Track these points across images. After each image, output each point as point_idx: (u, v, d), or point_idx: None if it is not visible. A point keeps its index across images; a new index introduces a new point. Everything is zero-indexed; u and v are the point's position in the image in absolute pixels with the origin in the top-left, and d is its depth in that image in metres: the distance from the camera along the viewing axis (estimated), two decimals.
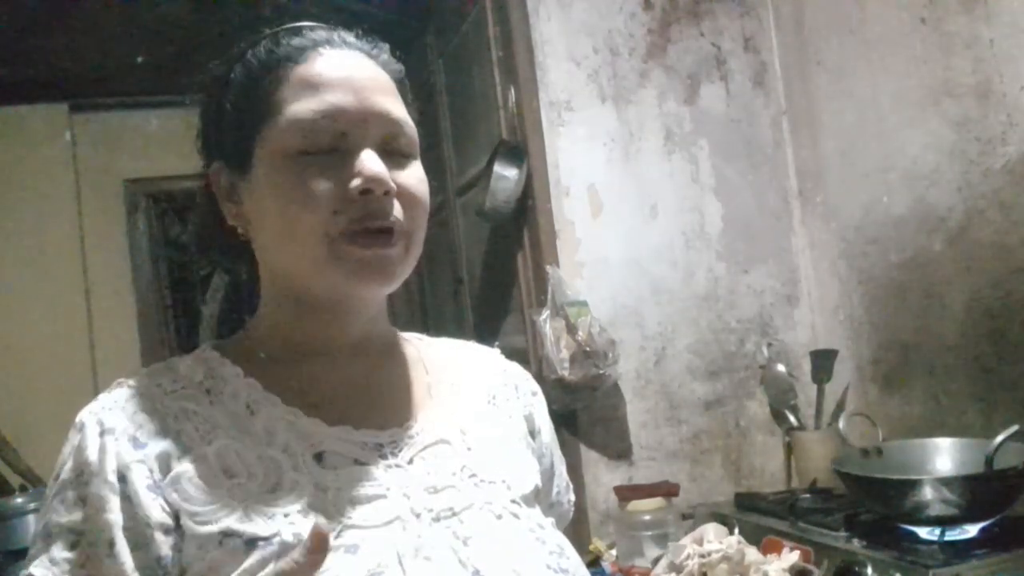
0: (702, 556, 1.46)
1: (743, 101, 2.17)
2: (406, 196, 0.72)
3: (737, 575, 1.44)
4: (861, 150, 1.92)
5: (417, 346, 0.85)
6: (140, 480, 0.65)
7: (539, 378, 1.92)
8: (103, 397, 0.71)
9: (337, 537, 0.64)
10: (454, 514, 0.70)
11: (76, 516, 0.65)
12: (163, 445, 0.67)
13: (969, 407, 1.67)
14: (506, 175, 2.05)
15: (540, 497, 0.81)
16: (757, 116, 2.18)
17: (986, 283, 1.61)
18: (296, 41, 0.74)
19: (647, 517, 1.81)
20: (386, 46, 0.79)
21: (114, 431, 0.67)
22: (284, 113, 0.70)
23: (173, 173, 3.31)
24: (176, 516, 0.65)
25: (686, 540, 1.55)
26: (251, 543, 0.63)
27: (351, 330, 0.77)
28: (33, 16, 2.82)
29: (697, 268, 2.11)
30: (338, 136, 0.70)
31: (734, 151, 2.16)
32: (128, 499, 0.65)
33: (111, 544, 0.63)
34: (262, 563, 0.61)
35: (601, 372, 1.88)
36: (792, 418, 2.03)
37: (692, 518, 1.89)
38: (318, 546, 0.55)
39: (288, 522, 0.64)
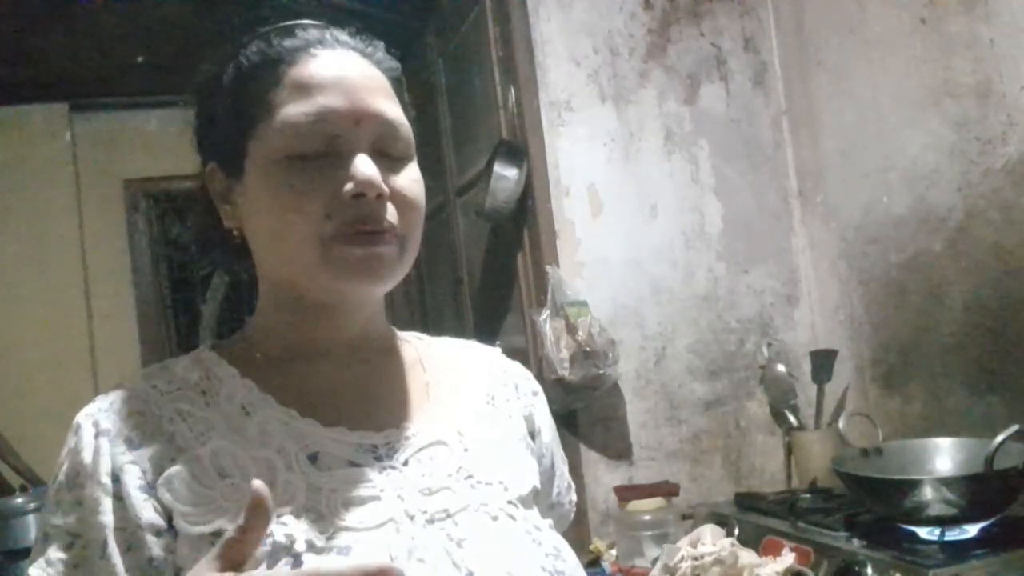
0: (695, 559, 1.46)
1: (743, 101, 2.17)
2: (400, 199, 0.72)
3: None
4: (861, 150, 1.92)
5: (416, 346, 0.84)
6: (133, 481, 0.65)
7: (539, 378, 1.90)
8: (100, 399, 0.71)
9: (330, 539, 0.64)
10: (448, 516, 0.69)
11: (71, 518, 0.65)
12: (157, 446, 0.67)
13: (969, 407, 1.67)
14: (506, 175, 2.04)
15: (540, 498, 0.81)
16: (757, 116, 2.18)
17: (986, 283, 1.61)
18: (288, 42, 0.73)
19: (647, 517, 1.81)
20: (381, 43, 0.77)
21: (109, 432, 0.67)
22: (276, 116, 0.70)
23: (173, 173, 3.31)
24: (169, 517, 0.65)
25: (681, 542, 1.54)
26: None
27: (348, 331, 0.77)
28: (33, 16, 2.82)
29: (697, 268, 2.11)
30: (331, 139, 0.69)
31: (734, 151, 2.16)
32: (121, 500, 0.65)
33: (104, 546, 0.64)
34: (254, 564, 0.61)
35: (601, 372, 1.88)
36: (792, 418, 2.03)
37: (692, 518, 1.89)
38: (256, 507, 0.53)
39: (280, 523, 0.64)
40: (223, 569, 0.53)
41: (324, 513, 0.66)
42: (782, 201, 2.18)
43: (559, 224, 2.03)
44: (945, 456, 1.53)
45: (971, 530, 1.38)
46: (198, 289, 3.72)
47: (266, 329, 0.77)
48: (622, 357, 1.94)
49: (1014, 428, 1.32)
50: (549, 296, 1.95)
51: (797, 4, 2.10)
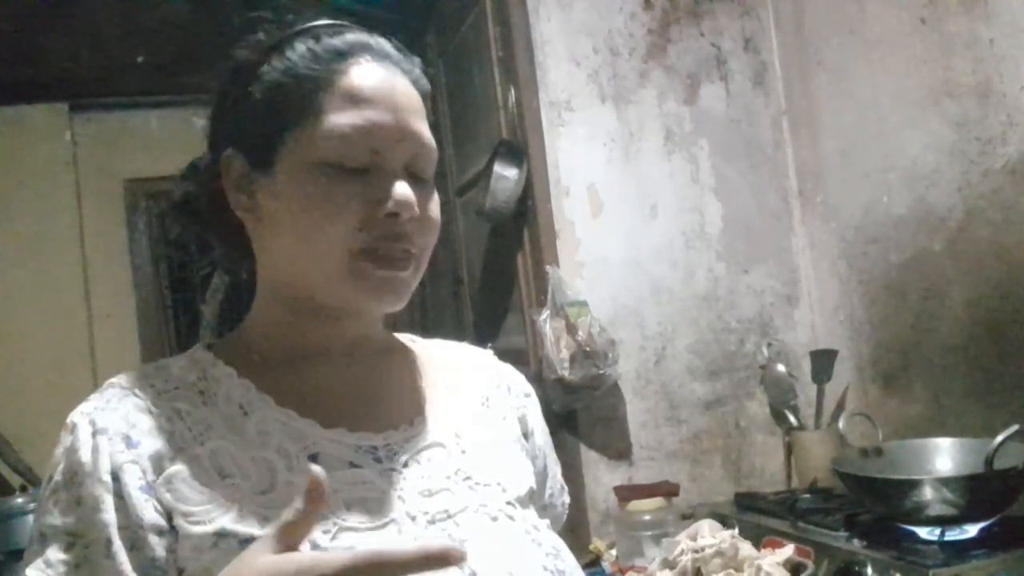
0: (695, 551, 1.46)
1: (743, 101, 2.17)
2: (425, 222, 0.73)
3: (731, 570, 1.44)
4: (861, 150, 1.92)
5: (412, 347, 0.85)
6: (133, 481, 0.65)
7: (539, 378, 1.93)
8: (94, 398, 0.70)
9: (333, 540, 0.64)
10: (449, 516, 0.70)
11: (71, 518, 0.65)
12: (156, 445, 0.67)
13: (969, 407, 1.67)
14: (506, 175, 2.05)
15: (534, 499, 0.81)
16: (757, 116, 2.18)
17: (986, 283, 1.61)
18: (337, 42, 0.72)
19: (647, 517, 1.81)
20: (418, 60, 0.78)
21: (107, 431, 0.67)
22: (321, 121, 0.70)
23: (173, 173, 3.29)
24: (169, 517, 0.65)
25: (680, 536, 1.54)
26: (246, 543, 0.62)
27: (348, 333, 0.77)
28: (33, 16, 2.82)
29: (697, 268, 2.11)
30: (371, 153, 0.70)
31: (734, 151, 2.16)
32: (122, 499, 0.65)
33: (108, 544, 0.63)
34: None
35: (601, 372, 1.88)
36: (792, 418, 2.03)
37: (692, 518, 1.89)
38: (315, 491, 0.53)
39: None
40: (280, 551, 0.53)
41: (326, 514, 0.65)
42: (782, 201, 2.18)
43: (559, 224, 2.03)
44: (945, 456, 1.53)
45: (971, 530, 1.38)
46: (198, 289, 3.72)
47: (264, 329, 0.77)
48: (622, 357, 1.94)
49: (1014, 428, 1.32)
50: (549, 296, 1.95)
51: (797, 4, 2.10)
